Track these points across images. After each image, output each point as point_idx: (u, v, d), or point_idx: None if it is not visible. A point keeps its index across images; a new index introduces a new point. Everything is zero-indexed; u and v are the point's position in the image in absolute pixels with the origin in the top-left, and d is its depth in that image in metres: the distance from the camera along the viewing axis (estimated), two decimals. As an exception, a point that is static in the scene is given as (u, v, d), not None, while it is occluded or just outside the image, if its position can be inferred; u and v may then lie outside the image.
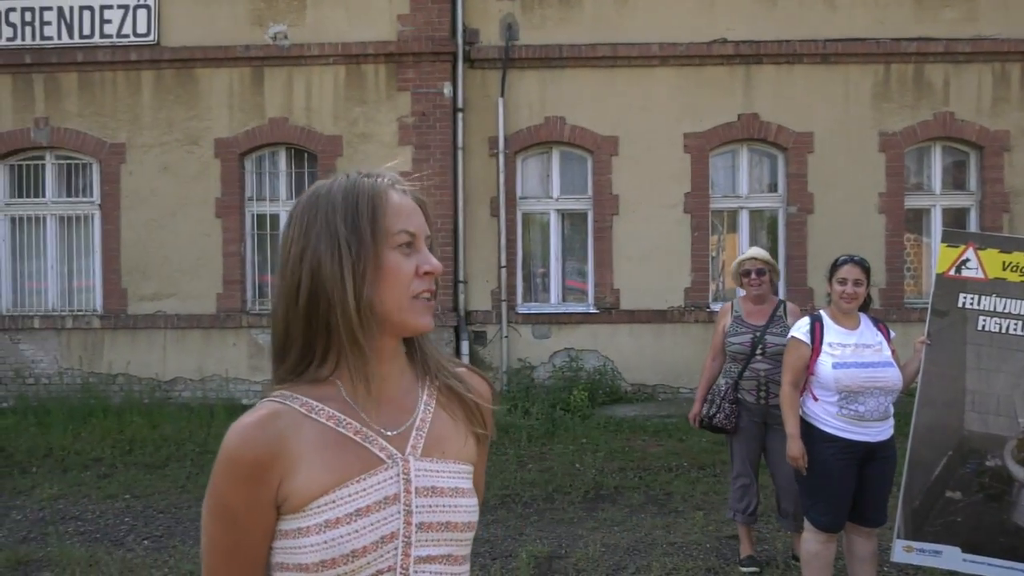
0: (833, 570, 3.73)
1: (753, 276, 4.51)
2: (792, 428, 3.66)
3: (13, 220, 9.42)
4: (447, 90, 8.99)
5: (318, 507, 1.08)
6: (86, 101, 9.18)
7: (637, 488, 6.05)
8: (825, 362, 3.55)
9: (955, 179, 9.44)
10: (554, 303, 9.39)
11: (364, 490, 1.10)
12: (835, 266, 3.70)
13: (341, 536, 1.07)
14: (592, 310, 9.19)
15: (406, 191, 1.20)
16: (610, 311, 9.12)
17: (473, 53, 9.07)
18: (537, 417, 7.98)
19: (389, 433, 1.15)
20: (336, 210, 1.13)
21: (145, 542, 5.06)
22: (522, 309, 9.24)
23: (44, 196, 9.41)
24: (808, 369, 3.64)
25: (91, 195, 9.39)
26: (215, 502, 1.10)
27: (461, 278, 9.05)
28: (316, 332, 1.14)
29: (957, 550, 3.56)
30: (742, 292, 4.73)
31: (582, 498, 5.87)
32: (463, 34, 9.02)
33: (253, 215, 9.29)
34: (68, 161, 9.43)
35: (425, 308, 1.16)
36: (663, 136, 9.07)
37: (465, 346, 8.97)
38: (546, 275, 9.49)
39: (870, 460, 3.55)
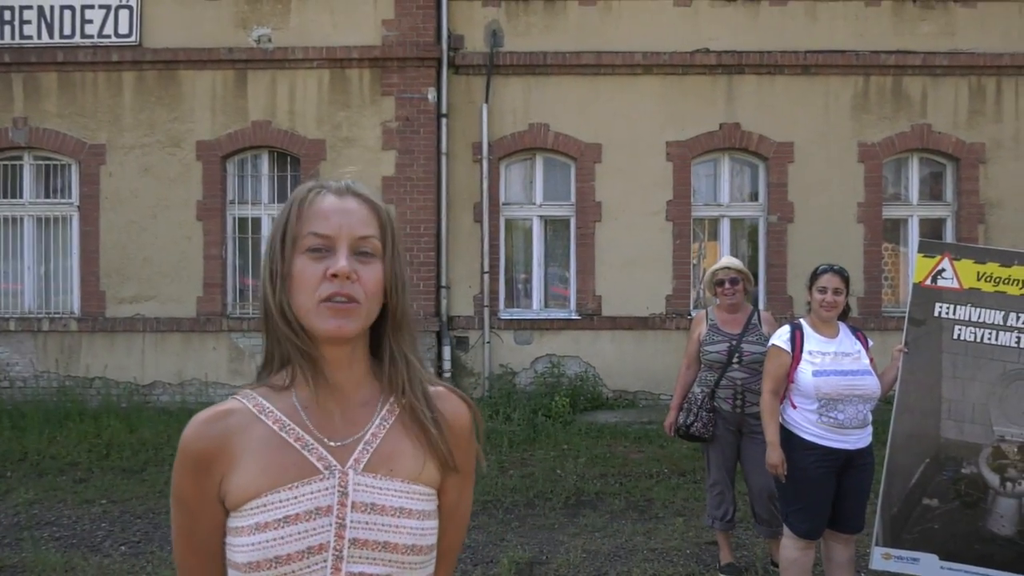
0: (811, 576, 3.77)
1: (727, 285, 4.53)
2: (772, 436, 3.70)
3: (-10, 221, 9.30)
4: (431, 95, 9.00)
5: (250, 509, 1.09)
6: (66, 101, 9.09)
7: (618, 494, 6.08)
8: (805, 370, 3.60)
9: (932, 190, 9.59)
10: (536, 309, 9.41)
11: (295, 498, 1.09)
12: (815, 275, 3.75)
13: (268, 541, 1.06)
14: (574, 316, 9.22)
15: (358, 194, 1.17)
16: (592, 317, 9.16)
17: (458, 59, 9.09)
18: (519, 423, 8.00)
19: (333, 444, 1.13)
20: (276, 220, 1.18)
21: (122, 548, 5.00)
22: (504, 315, 9.26)
23: (22, 197, 9.30)
24: (788, 377, 3.68)
25: (70, 196, 9.29)
26: (173, 489, 1.16)
27: (444, 283, 9.05)
28: (270, 338, 1.17)
29: (934, 557, 3.61)
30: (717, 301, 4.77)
31: (563, 504, 5.88)
32: (448, 40, 9.04)
33: (235, 218, 9.24)
34: (47, 162, 9.32)
35: (333, 312, 1.10)
36: (646, 144, 9.14)
37: (447, 351, 8.97)
38: (528, 281, 9.51)
39: (848, 468, 3.59)
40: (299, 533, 1.07)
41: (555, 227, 9.51)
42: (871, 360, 3.68)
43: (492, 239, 9.16)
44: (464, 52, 9.13)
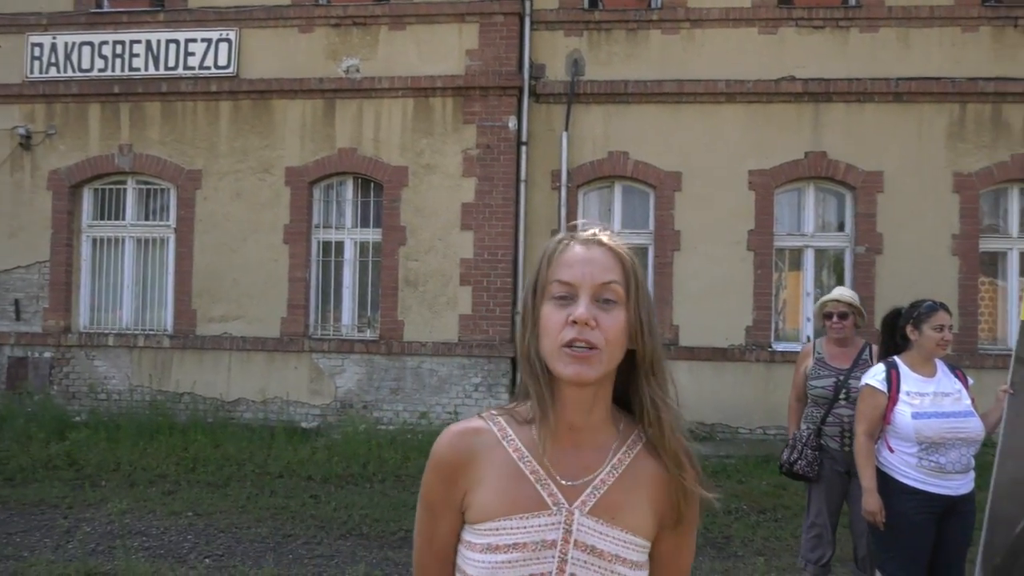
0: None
1: (835, 319, 4.36)
2: (868, 481, 3.53)
3: (94, 241, 9.85)
4: (512, 123, 9.11)
5: (485, 529, 1.17)
6: (167, 129, 9.60)
7: (696, 531, 5.91)
8: (904, 411, 3.43)
9: (1034, 222, 9.10)
10: (612, 337, 9.31)
11: (524, 528, 1.16)
12: (923, 312, 3.57)
13: (498, 562, 1.14)
14: (651, 346, 9.07)
15: (603, 244, 1.22)
16: (669, 347, 9.01)
17: (539, 88, 9.19)
18: (593, 452, 7.89)
19: (564, 482, 1.19)
20: (533, 270, 1.27)
21: (207, 560, 5.15)
22: (580, 342, 9.18)
23: (124, 219, 9.83)
24: (884, 419, 3.52)
25: (167, 219, 9.77)
26: (422, 491, 1.25)
27: (519, 310, 9.06)
28: (523, 372, 1.25)
29: None
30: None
31: (639, 538, 5.75)
32: (530, 69, 9.16)
33: (319, 242, 9.52)
34: (148, 186, 9.85)
35: (573, 358, 1.15)
36: (727, 172, 9.00)
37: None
38: (605, 309, 9.42)
39: (950, 515, 3.40)
40: (524, 560, 1.15)
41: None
42: (972, 400, 3.49)
43: (569, 266, 9.13)
44: (545, 81, 9.22)
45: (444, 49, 9.23)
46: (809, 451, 4.22)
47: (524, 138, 9.13)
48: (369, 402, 9.14)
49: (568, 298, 1.17)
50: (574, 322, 1.15)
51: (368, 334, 9.40)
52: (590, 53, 9.25)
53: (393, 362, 9.13)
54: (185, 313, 9.47)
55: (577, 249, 1.21)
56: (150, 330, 9.65)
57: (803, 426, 4.38)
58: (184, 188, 9.55)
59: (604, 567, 1.16)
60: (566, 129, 9.12)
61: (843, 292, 4.50)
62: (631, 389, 1.24)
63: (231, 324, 9.40)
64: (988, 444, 3.61)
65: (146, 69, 9.58)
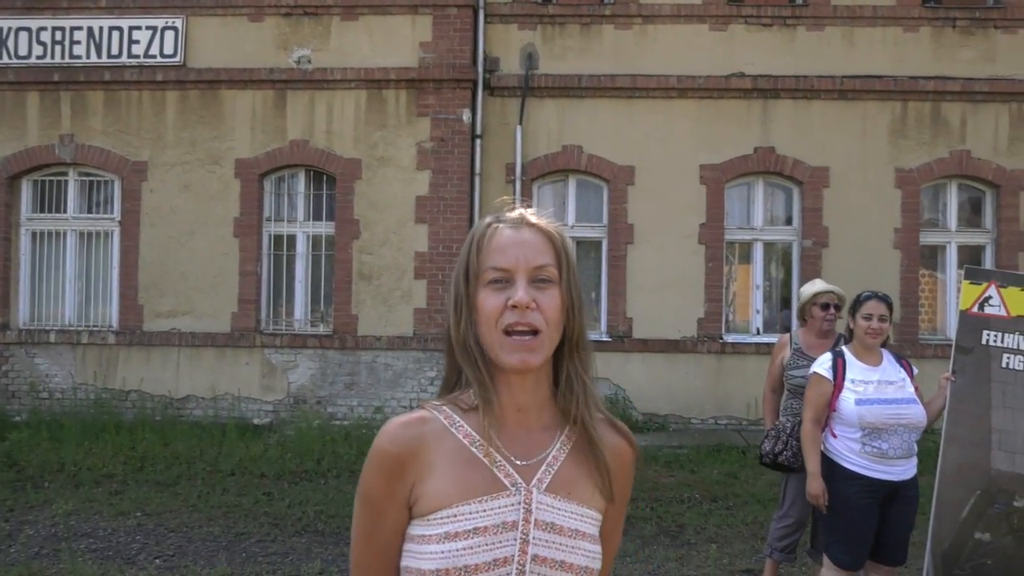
0: (852, 608, 3.69)
1: (831, 310, 4.43)
2: (813, 466, 3.64)
3: (34, 235, 9.52)
4: (466, 116, 9.09)
5: (440, 518, 1.13)
6: (111, 119, 9.32)
7: (649, 519, 6.01)
8: (847, 398, 3.54)
9: (970, 217, 9.45)
10: (567, 330, 9.37)
11: (484, 511, 1.14)
12: (859, 302, 3.69)
13: (458, 550, 1.11)
14: (605, 338, 9.19)
15: (532, 224, 1.22)
16: (623, 340, 9.12)
17: (493, 81, 9.18)
18: (549, 445, 7.94)
19: (518, 463, 1.18)
20: (460, 256, 1.24)
21: (157, 561, 5.04)
22: (535, 335, 9.22)
23: (65, 212, 9.52)
24: (830, 405, 3.63)
25: (111, 212, 9.50)
26: (361, 489, 1.20)
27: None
28: (452, 362, 1.23)
29: None
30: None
31: (595, 528, 5.82)
32: (484, 62, 9.14)
33: (271, 235, 9.37)
34: (90, 178, 9.55)
35: (518, 347, 1.14)
36: (680, 167, 9.13)
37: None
38: (560, 302, 9.48)
39: (893, 499, 3.52)
40: (487, 545, 1.12)
41: (587, 249, 9.51)
42: (916, 388, 3.61)
43: (524, 260, 9.16)
44: (500, 74, 9.22)
45: (397, 41, 9.15)
46: (795, 442, 4.16)
47: (478, 131, 9.12)
48: (323, 397, 9.05)
49: (504, 282, 1.17)
50: (514, 306, 1.14)
51: (322, 329, 9.29)
52: (544, 47, 9.28)
53: (347, 356, 9.05)
54: (131, 308, 9.23)
55: (508, 232, 1.20)
56: (94, 326, 9.37)
57: (783, 417, 4.42)
58: (129, 180, 9.29)
59: (564, 543, 1.16)
60: (520, 122, 9.14)
61: (831, 285, 4.56)
62: (555, 365, 1.23)
63: (180, 319, 9.19)
64: (932, 431, 3.74)
65: (88, 57, 9.28)
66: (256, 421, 8.93)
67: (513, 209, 1.24)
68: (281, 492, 6.56)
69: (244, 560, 5.06)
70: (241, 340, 9.09)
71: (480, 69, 9.10)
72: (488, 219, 1.24)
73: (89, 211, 9.59)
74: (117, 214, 9.42)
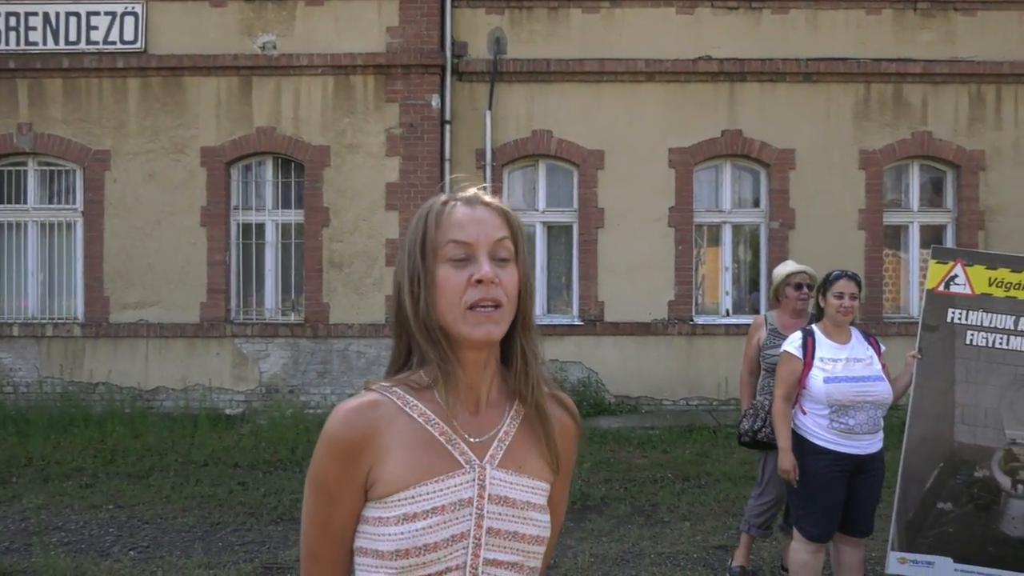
0: (822, 579, 3.79)
1: (804, 290, 4.49)
2: (784, 441, 3.72)
3: (-7, 226, 9.31)
4: (435, 102, 9.04)
5: (398, 500, 1.14)
6: (71, 108, 9.11)
7: (623, 499, 6.09)
8: (816, 376, 3.62)
9: (932, 197, 9.65)
10: (539, 315, 9.43)
11: (441, 490, 1.15)
12: (829, 281, 3.76)
13: (416, 530, 1.13)
14: (577, 322, 9.25)
15: (487, 203, 1.23)
16: (595, 323, 9.19)
17: (461, 66, 9.14)
18: (523, 428, 8.00)
19: (472, 440, 1.20)
20: (410, 232, 1.23)
21: (131, 552, 5.00)
22: (508, 321, 9.25)
23: (25, 202, 9.30)
24: (800, 383, 3.71)
25: (74, 202, 9.30)
26: (313, 476, 1.19)
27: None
28: (401, 341, 1.24)
29: (949, 560, 3.65)
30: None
31: (569, 509, 5.84)
32: (452, 47, 9.09)
33: (239, 224, 9.25)
34: (51, 167, 9.34)
35: (482, 319, 1.15)
36: (648, 151, 9.19)
37: (451, 357, 8.97)
38: (531, 287, 9.51)
39: (859, 472, 3.61)
40: (445, 522, 1.14)
41: (557, 233, 9.55)
42: (883, 365, 3.71)
43: (495, 245, 9.17)
44: (468, 59, 9.18)
45: (364, 26, 9.05)
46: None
47: (448, 117, 9.08)
48: (296, 386, 9.00)
49: (466, 259, 1.17)
50: (479, 281, 1.15)
51: (293, 317, 9.23)
52: (512, 31, 9.25)
53: (319, 345, 9.00)
54: (97, 300, 9.07)
55: (465, 209, 1.20)
56: (59, 319, 9.20)
57: (760, 396, 4.48)
58: (91, 169, 9.10)
59: (517, 515, 1.19)
60: (489, 108, 9.12)
61: (804, 265, 4.62)
62: (505, 342, 1.24)
63: (147, 311, 9.06)
64: (898, 408, 3.84)
65: (45, 43, 9.04)
66: (228, 411, 8.86)
67: (466, 189, 1.25)
68: (256, 481, 6.53)
69: (221, 549, 5.04)
70: (211, 330, 8.99)
71: (448, 54, 9.05)
72: (443, 196, 1.24)
73: (50, 201, 9.38)
74: (80, 204, 9.23)
